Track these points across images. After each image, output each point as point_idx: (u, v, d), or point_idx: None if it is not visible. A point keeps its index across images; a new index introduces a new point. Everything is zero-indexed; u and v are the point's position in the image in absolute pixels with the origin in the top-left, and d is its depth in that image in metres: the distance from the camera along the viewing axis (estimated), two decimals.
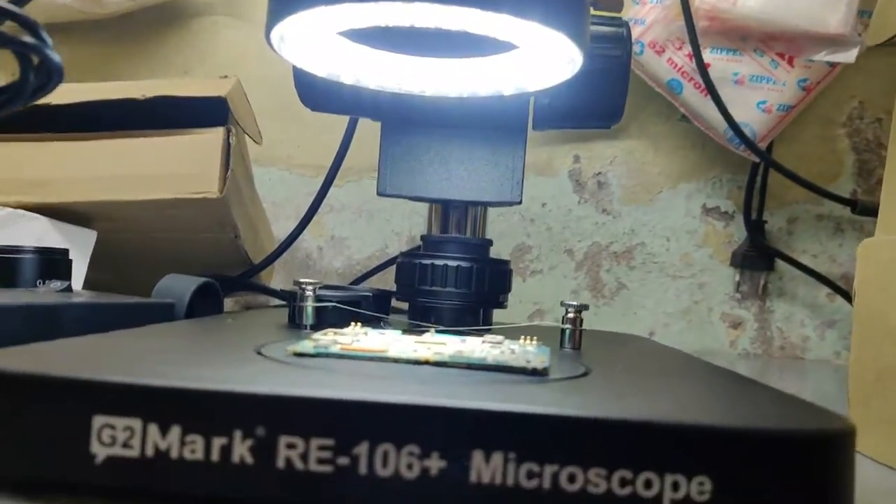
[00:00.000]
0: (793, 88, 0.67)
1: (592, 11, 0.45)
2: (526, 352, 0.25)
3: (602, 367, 0.26)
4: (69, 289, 0.36)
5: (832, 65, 0.66)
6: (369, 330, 0.29)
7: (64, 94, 0.55)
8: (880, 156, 0.74)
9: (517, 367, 0.22)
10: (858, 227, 0.73)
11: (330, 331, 0.27)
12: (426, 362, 0.23)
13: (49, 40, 0.21)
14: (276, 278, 0.76)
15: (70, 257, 0.47)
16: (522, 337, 0.29)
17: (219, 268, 0.64)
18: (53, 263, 0.45)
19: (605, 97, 0.41)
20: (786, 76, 0.67)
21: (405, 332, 0.29)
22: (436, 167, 0.41)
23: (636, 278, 0.76)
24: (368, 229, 0.80)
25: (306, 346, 0.24)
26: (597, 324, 0.76)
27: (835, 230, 0.74)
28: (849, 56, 0.62)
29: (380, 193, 0.41)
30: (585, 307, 0.34)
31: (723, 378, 0.27)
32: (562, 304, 0.34)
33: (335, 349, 0.24)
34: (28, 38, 0.21)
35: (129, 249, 0.60)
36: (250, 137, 0.60)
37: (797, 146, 0.74)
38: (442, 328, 0.32)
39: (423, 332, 0.29)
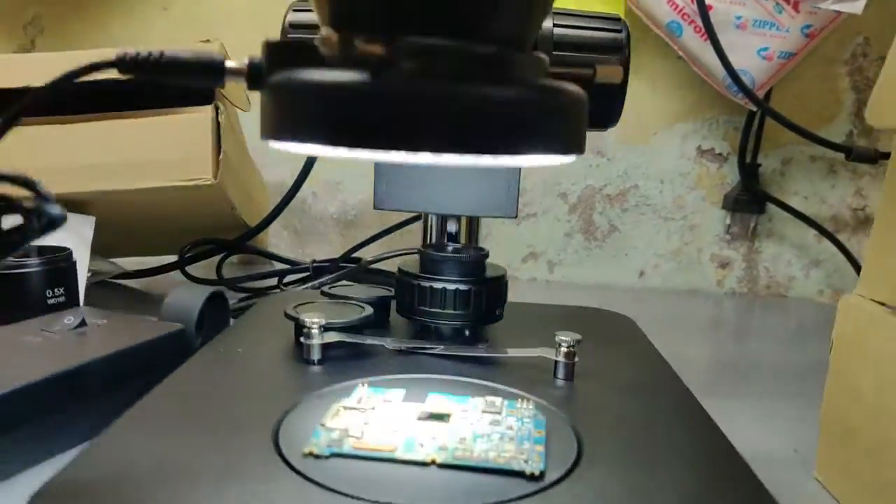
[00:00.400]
0: (796, 35, 0.65)
1: (589, 12, 0.43)
2: (523, 437, 0.27)
3: (594, 444, 0.28)
4: (83, 322, 0.37)
5: (838, 11, 0.63)
6: (376, 399, 0.30)
7: (42, 71, 0.53)
8: None
9: (517, 469, 0.25)
10: (851, 168, 0.74)
11: (340, 407, 0.29)
12: (433, 463, 0.25)
13: (49, 194, 0.21)
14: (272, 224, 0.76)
15: (73, 258, 0.48)
16: (519, 399, 0.31)
17: (217, 232, 0.65)
18: (58, 273, 0.46)
19: (601, 105, 0.41)
20: (790, 22, 0.64)
21: (407, 393, 0.31)
22: (431, 180, 0.41)
23: (629, 220, 0.77)
24: (362, 173, 0.79)
25: (320, 444, 0.26)
26: (588, 265, 0.78)
27: (828, 171, 0.74)
28: (856, 6, 0.60)
29: (376, 208, 0.42)
30: (579, 341, 0.35)
31: (707, 467, 0.28)
32: (556, 337, 0.36)
33: (347, 446, 0.26)
34: (28, 202, 0.21)
35: (129, 222, 0.60)
36: (237, 107, 0.59)
37: (797, 85, 0.73)
38: (439, 393, 0.33)
39: (425, 394, 0.31)
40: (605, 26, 0.40)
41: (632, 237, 0.77)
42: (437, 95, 0.21)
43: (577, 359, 0.35)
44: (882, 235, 0.30)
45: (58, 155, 0.52)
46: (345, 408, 0.29)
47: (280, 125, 0.22)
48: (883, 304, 0.29)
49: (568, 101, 0.23)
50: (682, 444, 0.29)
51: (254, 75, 0.24)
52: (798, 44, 0.65)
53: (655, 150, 0.76)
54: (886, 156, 0.70)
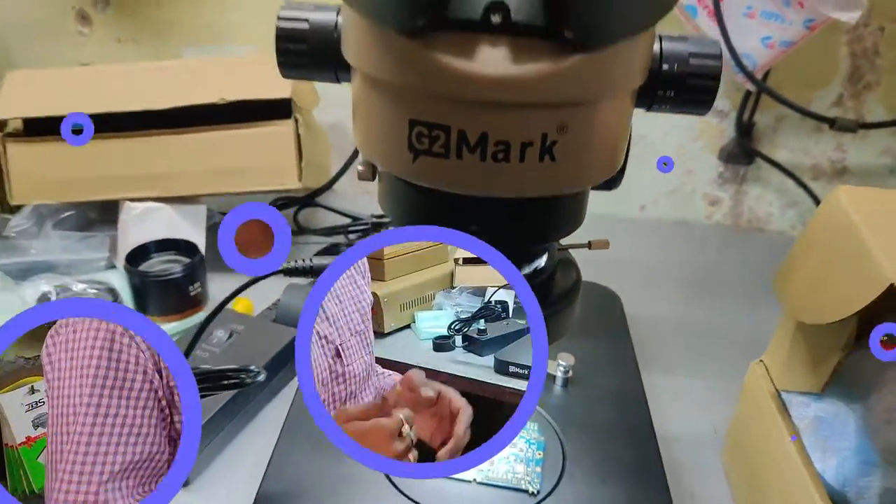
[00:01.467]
0: (798, 27, 0.72)
1: None
2: (529, 460, 0.45)
3: (573, 461, 0.46)
4: (231, 333, 0.54)
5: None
6: None
7: (156, 97, 0.65)
8: (873, 63, 0.80)
9: (524, 489, 0.43)
10: None
11: None
12: (473, 481, 0.43)
13: (258, 370, 0.37)
14: (333, 165, 0.89)
15: (202, 254, 0.63)
16: (529, 423, 0.48)
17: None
18: (195, 272, 0.62)
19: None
20: (794, 15, 0.71)
21: None
22: None
23: (635, 164, 0.89)
24: None
25: None
26: (597, 199, 0.91)
27: (815, 129, 0.84)
28: (851, 16, 0.67)
29: None
30: (572, 365, 0.52)
31: (637, 487, 0.46)
32: (557, 359, 0.52)
33: None
34: (248, 379, 0.37)
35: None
36: (308, 109, 0.70)
37: (798, 53, 0.80)
38: None
39: None
40: None
41: (636, 178, 0.89)
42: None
43: (570, 373, 0.53)
44: (783, 330, 0.45)
45: (174, 163, 0.65)
46: None
47: None
48: (772, 382, 0.45)
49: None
50: (628, 462, 0.47)
51: None
52: (799, 34, 0.72)
53: None
54: (866, 125, 0.80)
